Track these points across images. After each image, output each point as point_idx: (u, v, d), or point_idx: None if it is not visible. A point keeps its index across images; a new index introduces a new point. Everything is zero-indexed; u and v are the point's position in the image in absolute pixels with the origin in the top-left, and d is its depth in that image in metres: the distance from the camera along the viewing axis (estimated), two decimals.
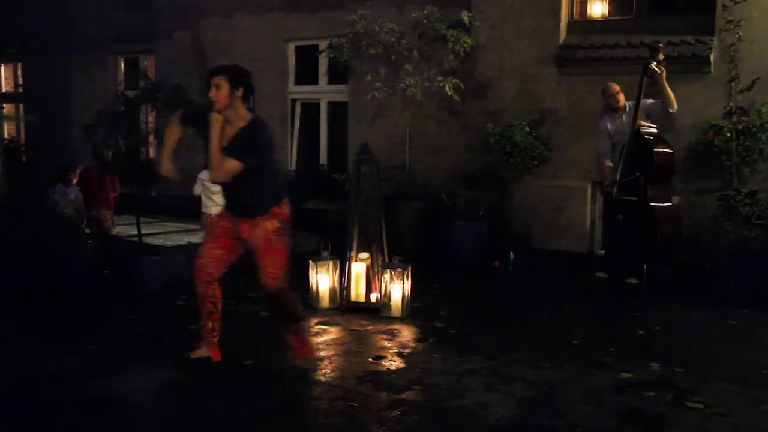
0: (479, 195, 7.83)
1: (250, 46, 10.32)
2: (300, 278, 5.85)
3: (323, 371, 4.22)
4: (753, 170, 6.90)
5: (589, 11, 8.21)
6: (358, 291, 5.64)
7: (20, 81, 13.95)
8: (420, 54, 8.19)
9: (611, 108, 6.43)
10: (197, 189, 6.83)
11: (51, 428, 3.50)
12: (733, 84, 6.91)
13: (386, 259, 5.62)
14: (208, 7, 10.75)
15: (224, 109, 3.92)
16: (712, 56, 7.11)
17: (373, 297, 5.60)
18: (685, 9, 7.71)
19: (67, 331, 5.08)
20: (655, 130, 6.15)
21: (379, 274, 5.50)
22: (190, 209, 7.75)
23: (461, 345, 4.70)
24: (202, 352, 4.23)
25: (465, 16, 8.05)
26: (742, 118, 6.82)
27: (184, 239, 8.30)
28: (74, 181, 7.54)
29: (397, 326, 5.14)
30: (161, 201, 10.28)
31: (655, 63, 5.91)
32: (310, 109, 10.38)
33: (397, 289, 5.32)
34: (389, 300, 5.35)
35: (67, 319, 5.36)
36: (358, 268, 5.64)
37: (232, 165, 3.91)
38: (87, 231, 7.24)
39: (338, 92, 9.94)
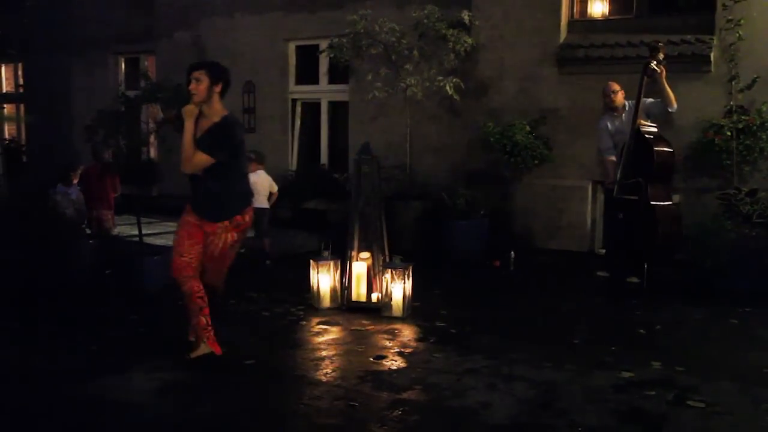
0: (480, 194, 7.83)
1: (250, 46, 10.33)
2: (301, 278, 5.87)
3: (324, 371, 4.22)
4: (753, 169, 6.90)
5: (589, 10, 8.21)
6: (359, 291, 5.65)
7: (21, 81, 13.95)
8: (420, 54, 8.19)
9: (610, 107, 6.44)
10: None
11: (51, 428, 3.51)
12: (733, 83, 6.91)
13: (387, 259, 5.62)
14: (208, 7, 10.75)
15: (202, 103, 4.10)
16: (712, 55, 7.12)
17: (374, 297, 5.60)
18: (686, 8, 7.70)
19: (68, 331, 5.08)
20: (655, 129, 6.16)
21: (380, 273, 5.50)
22: None
23: (462, 344, 4.70)
24: (203, 349, 4.23)
25: (465, 16, 8.05)
26: (743, 117, 6.83)
27: None
28: (75, 181, 7.54)
29: (398, 326, 5.15)
30: (162, 201, 10.28)
31: (655, 62, 5.91)
32: (311, 108, 10.39)
33: (398, 288, 5.32)
34: (390, 300, 5.35)
35: (67, 319, 5.36)
36: (359, 268, 5.65)
37: (203, 158, 4.06)
38: (88, 231, 7.24)
39: (339, 92, 9.94)
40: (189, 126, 4.10)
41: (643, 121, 6.10)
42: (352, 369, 4.23)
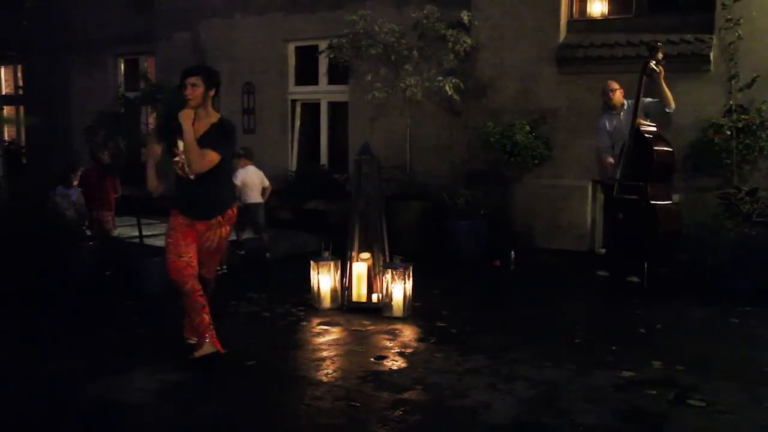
0: (480, 194, 7.83)
1: (250, 47, 10.33)
2: (302, 279, 5.87)
3: (325, 371, 4.22)
4: (753, 168, 6.91)
5: (588, 10, 8.22)
6: (359, 291, 5.65)
7: (20, 83, 13.96)
8: (420, 54, 8.19)
9: (608, 105, 6.45)
10: None
11: (52, 429, 3.51)
12: (732, 82, 6.92)
13: (387, 259, 5.62)
14: (208, 8, 10.75)
15: (197, 107, 4.21)
16: (711, 54, 7.12)
17: (375, 297, 5.60)
18: (685, 7, 7.71)
19: (69, 332, 5.09)
20: (654, 129, 6.16)
21: (381, 274, 5.51)
22: None
23: (463, 344, 4.71)
24: (206, 348, 4.24)
25: (465, 16, 8.05)
26: (742, 116, 6.83)
27: None
28: (75, 183, 7.55)
29: (398, 326, 5.15)
30: (162, 202, 10.28)
31: (653, 62, 5.91)
32: (311, 109, 10.39)
33: (399, 288, 5.32)
34: (391, 300, 5.35)
35: (68, 320, 5.37)
36: (360, 268, 5.65)
37: (213, 156, 4.17)
38: (88, 233, 7.24)
39: (338, 92, 9.94)
40: (189, 129, 4.17)
41: (642, 121, 6.10)
42: (353, 369, 4.23)
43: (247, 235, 7.66)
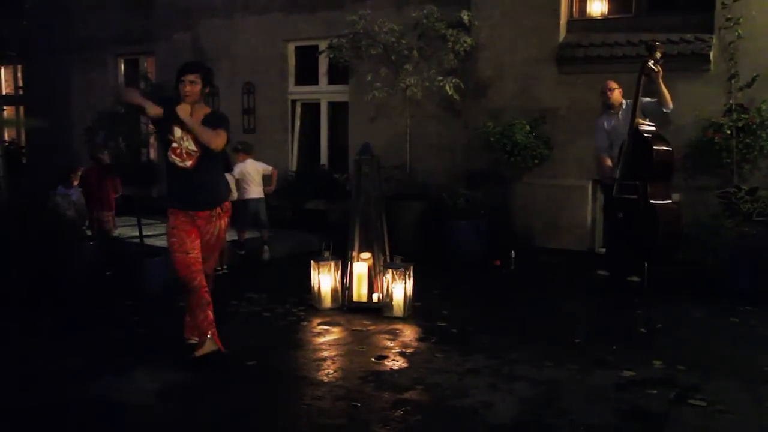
0: (480, 194, 7.83)
1: (250, 47, 10.33)
2: (302, 279, 5.87)
3: (326, 371, 4.22)
4: (753, 167, 6.91)
5: (588, 10, 8.22)
6: (359, 291, 5.65)
7: (20, 83, 13.95)
8: (420, 54, 8.19)
9: (606, 105, 6.46)
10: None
11: (53, 429, 3.51)
12: (732, 81, 6.92)
13: (388, 259, 5.62)
14: (208, 9, 10.75)
15: (194, 104, 4.28)
16: (711, 54, 7.12)
17: (375, 297, 5.60)
18: (685, 7, 7.72)
19: (69, 332, 5.09)
20: (653, 128, 6.15)
21: (381, 273, 5.51)
22: None
23: (463, 344, 4.71)
24: (208, 346, 4.24)
25: (465, 16, 8.05)
26: (742, 116, 6.83)
27: None
28: (76, 183, 7.55)
29: (399, 326, 5.15)
30: (162, 202, 10.28)
31: (652, 61, 5.91)
32: (311, 109, 10.39)
33: (399, 288, 5.33)
34: (391, 300, 5.36)
35: (68, 320, 5.37)
36: (360, 268, 5.65)
37: (223, 134, 4.27)
38: (88, 233, 7.24)
39: (338, 92, 9.94)
40: (190, 118, 4.22)
41: (641, 120, 6.10)
42: (354, 369, 4.24)
43: (247, 235, 7.66)
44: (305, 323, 5.28)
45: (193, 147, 4.26)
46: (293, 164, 10.36)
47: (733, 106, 6.90)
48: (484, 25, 8.26)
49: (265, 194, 7.55)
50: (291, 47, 10.24)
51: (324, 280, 5.58)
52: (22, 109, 13.96)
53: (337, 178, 9.37)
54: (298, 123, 10.42)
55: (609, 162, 6.38)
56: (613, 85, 6.42)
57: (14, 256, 5.96)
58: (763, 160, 6.87)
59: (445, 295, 6.10)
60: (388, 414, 3.57)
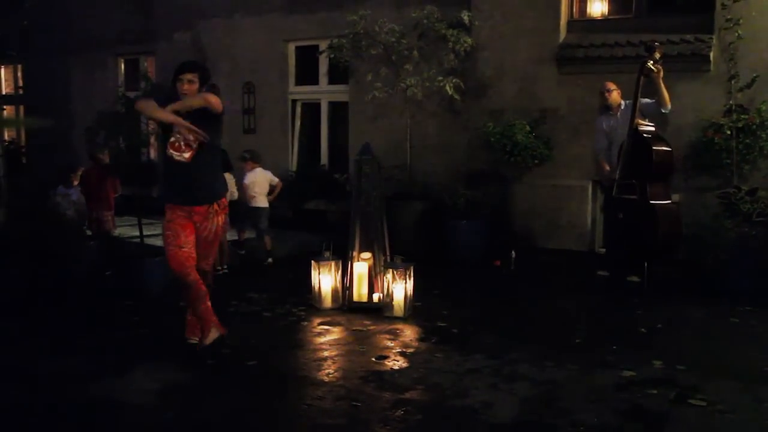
0: (480, 194, 7.84)
1: (250, 47, 10.34)
2: (302, 279, 5.88)
3: (326, 371, 4.23)
4: (753, 168, 6.91)
5: (588, 10, 8.23)
6: (360, 291, 5.65)
7: (20, 83, 13.95)
8: (420, 54, 8.19)
9: (605, 105, 6.49)
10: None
11: (53, 430, 3.51)
12: (732, 82, 6.92)
13: (388, 259, 5.63)
14: (208, 9, 10.75)
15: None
16: (711, 54, 7.13)
17: (376, 297, 5.61)
18: (685, 8, 7.72)
19: (69, 332, 5.09)
20: (653, 129, 6.16)
21: (381, 273, 5.51)
22: None
23: (464, 344, 4.71)
24: (213, 334, 4.30)
25: (465, 16, 8.05)
26: (742, 116, 6.84)
27: None
28: (76, 183, 7.54)
29: (399, 326, 5.15)
30: (162, 202, 10.29)
31: (651, 62, 5.92)
32: (311, 109, 10.39)
33: (400, 288, 5.33)
34: (391, 300, 5.36)
35: (69, 321, 5.37)
36: (360, 268, 5.65)
37: (213, 96, 4.29)
38: (88, 233, 7.24)
39: (339, 92, 9.95)
40: (180, 102, 4.25)
41: (641, 121, 6.11)
42: (354, 369, 4.24)
43: (247, 235, 7.67)
44: (306, 323, 5.29)
45: (192, 140, 4.29)
46: (293, 164, 10.36)
47: (733, 107, 6.90)
48: (485, 26, 8.26)
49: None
50: (291, 47, 10.24)
51: (324, 280, 5.59)
52: (22, 108, 13.96)
53: (338, 178, 9.37)
54: (298, 123, 10.43)
55: (606, 167, 6.44)
56: (612, 86, 6.44)
57: (14, 255, 5.96)
58: (763, 161, 6.87)
59: (446, 295, 6.10)
60: (388, 414, 3.58)
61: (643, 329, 5.06)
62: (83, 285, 6.14)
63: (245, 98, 10.47)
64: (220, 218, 4.47)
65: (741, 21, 6.81)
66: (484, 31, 8.27)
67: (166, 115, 4.20)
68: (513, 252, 7.22)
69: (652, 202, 6.01)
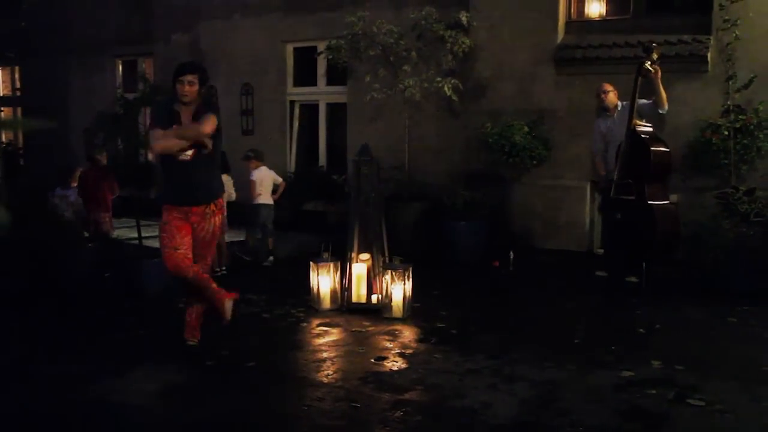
0: (479, 195, 7.84)
1: (248, 48, 10.33)
2: (301, 280, 5.87)
3: (325, 372, 4.23)
4: (751, 168, 6.93)
5: (586, 11, 8.24)
6: (359, 292, 5.66)
7: (18, 85, 13.94)
8: (418, 55, 8.20)
9: (602, 107, 6.50)
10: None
11: (53, 431, 3.51)
12: (730, 83, 6.93)
13: (387, 260, 5.63)
14: (206, 10, 10.75)
15: (190, 103, 4.34)
16: (709, 55, 7.14)
17: (374, 298, 5.61)
18: (682, 8, 7.74)
19: (68, 333, 5.09)
20: (651, 129, 6.17)
21: (380, 274, 5.51)
22: None
23: (463, 345, 4.72)
24: (228, 306, 4.42)
25: (463, 17, 8.06)
26: (740, 117, 6.85)
27: None
28: (74, 184, 7.54)
29: (398, 327, 5.16)
30: (160, 203, 10.28)
31: (649, 62, 5.93)
32: (309, 110, 10.39)
33: (398, 289, 5.33)
34: (390, 301, 5.36)
35: (68, 322, 5.37)
36: (359, 269, 5.66)
37: (212, 118, 4.31)
38: (86, 234, 7.24)
39: (337, 93, 9.95)
40: (179, 130, 4.28)
41: (638, 122, 6.12)
42: (354, 370, 4.24)
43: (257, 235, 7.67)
44: (305, 324, 5.29)
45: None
46: (292, 165, 10.36)
47: (731, 107, 6.92)
48: (483, 27, 8.27)
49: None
50: (289, 48, 10.24)
51: (323, 281, 5.59)
52: (19, 110, 13.95)
53: (336, 179, 9.37)
54: (296, 124, 10.43)
55: (602, 170, 6.49)
56: (608, 87, 6.46)
57: (13, 257, 5.95)
58: (761, 161, 6.89)
59: (444, 296, 6.10)
60: (387, 415, 3.58)
61: (641, 329, 5.07)
62: (82, 287, 6.13)
63: (243, 99, 10.47)
64: (216, 219, 4.48)
65: (739, 22, 6.82)
66: (482, 32, 8.28)
67: (187, 134, 4.26)
68: (511, 252, 7.22)
69: (650, 202, 6.01)
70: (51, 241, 6.20)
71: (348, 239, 5.70)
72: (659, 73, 5.96)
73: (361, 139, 7.72)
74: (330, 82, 10.00)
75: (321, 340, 4.89)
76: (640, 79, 6.00)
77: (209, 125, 4.28)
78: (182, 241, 4.31)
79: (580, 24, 8.13)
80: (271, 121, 10.34)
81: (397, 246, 6.03)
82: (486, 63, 8.35)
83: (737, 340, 4.84)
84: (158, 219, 4.48)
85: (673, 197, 6.62)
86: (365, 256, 5.67)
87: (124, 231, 8.12)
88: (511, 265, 7.16)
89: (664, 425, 3.46)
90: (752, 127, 6.78)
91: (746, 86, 6.87)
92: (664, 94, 6.02)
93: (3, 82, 14.64)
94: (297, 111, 10.40)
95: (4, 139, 13.98)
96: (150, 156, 11.66)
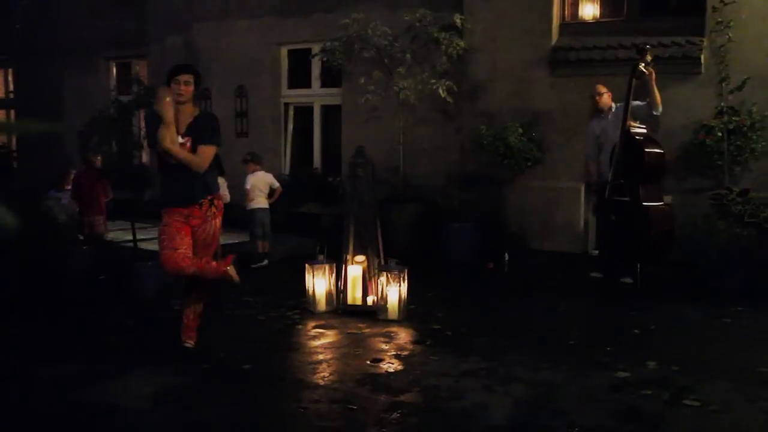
0: (473, 197, 7.85)
1: (242, 50, 10.32)
2: (296, 282, 5.87)
3: (322, 374, 4.22)
4: (744, 169, 6.96)
5: (580, 13, 8.26)
6: (354, 294, 5.65)
7: (11, 87, 13.88)
8: (413, 57, 8.20)
9: (596, 108, 6.53)
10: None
11: None
12: (723, 84, 6.95)
13: (382, 262, 5.63)
14: (200, 12, 10.74)
15: (185, 103, 4.33)
16: (702, 57, 7.17)
17: (370, 300, 5.61)
18: (676, 10, 7.76)
19: (64, 336, 5.07)
20: (644, 131, 6.20)
21: (376, 276, 5.51)
22: None
23: (459, 346, 4.72)
24: (233, 272, 4.45)
25: (458, 19, 8.07)
26: (733, 118, 6.87)
27: None
28: (68, 187, 7.52)
29: (394, 329, 5.15)
30: (155, 206, 10.24)
31: (643, 64, 5.95)
32: (304, 112, 10.39)
33: (394, 291, 5.33)
34: (386, 302, 5.36)
35: (63, 325, 5.35)
36: (355, 271, 5.65)
37: (210, 150, 4.35)
38: (80, 237, 7.21)
39: (331, 95, 9.95)
40: (177, 148, 4.27)
41: (632, 123, 6.14)
42: (350, 372, 4.24)
43: (243, 238, 7.65)
44: (300, 326, 5.28)
45: (185, 143, 4.31)
46: (286, 167, 10.35)
47: (724, 109, 6.94)
48: (477, 28, 8.28)
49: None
50: (284, 50, 10.24)
51: (319, 283, 5.58)
52: (13, 112, 13.89)
53: (331, 182, 9.37)
54: (291, 126, 10.42)
55: (594, 173, 6.56)
56: (602, 89, 6.48)
57: (7, 261, 5.93)
58: (754, 162, 6.92)
59: (440, 298, 6.11)
60: (384, 416, 3.58)
61: (636, 330, 5.08)
62: (77, 289, 6.11)
63: (238, 102, 10.46)
64: (217, 221, 4.48)
65: (732, 24, 6.85)
66: (476, 34, 8.29)
67: (184, 160, 4.29)
68: (506, 254, 7.23)
69: (644, 203, 6.04)
70: (45, 243, 6.17)
71: (343, 241, 5.70)
72: (653, 75, 5.98)
73: (356, 141, 7.71)
74: (324, 84, 10.01)
75: (317, 342, 4.88)
76: (634, 80, 6.01)
77: (207, 161, 4.33)
78: (182, 241, 4.30)
79: (574, 26, 8.16)
80: (265, 123, 10.33)
81: (392, 248, 6.03)
82: (480, 65, 8.36)
83: (732, 340, 4.86)
84: (153, 221, 4.48)
85: (667, 198, 6.64)
86: (360, 258, 5.67)
87: (118, 233, 8.10)
88: (506, 266, 7.17)
89: (659, 426, 3.47)
90: (745, 128, 6.82)
91: (739, 88, 6.89)
92: (658, 96, 6.04)
93: None
94: (291, 113, 10.39)
95: None
96: (144, 158, 11.66)
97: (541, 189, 8.09)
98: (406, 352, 4.62)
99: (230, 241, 7.73)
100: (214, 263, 4.44)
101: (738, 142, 6.82)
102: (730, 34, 6.85)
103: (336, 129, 9.88)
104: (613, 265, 6.44)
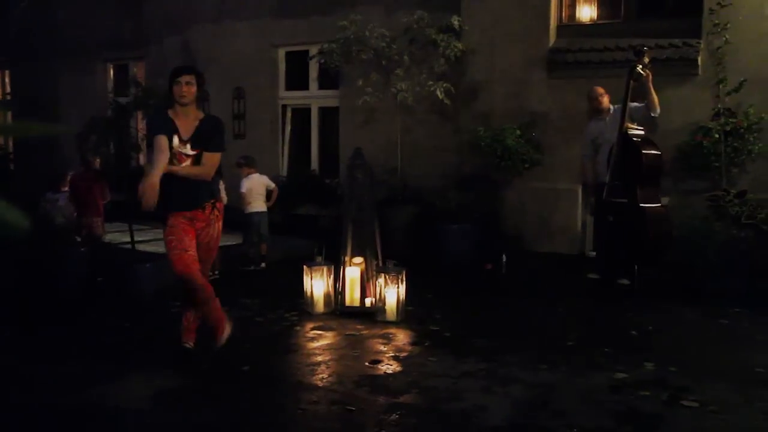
0: (471, 198, 7.86)
1: (240, 52, 10.33)
2: (294, 284, 5.87)
3: (320, 376, 4.22)
4: (741, 171, 6.98)
5: (577, 15, 8.28)
6: (352, 295, 5.65)
7: (8, 89, 13.86)
8: (411, 59, 8.22)
9: (595, 110, 6.54)
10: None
11: None
12: (720, 86, 6.97)
13: (380, 263, 5.63)
14: (198, 13, 10.74)
15: (188, 105, 4.32)
16: (699, 59, 7.19)
17: (368, 301, 5.60)
18: (673, 12, 7.79)
19: (61, 338, 5.05)
20: (642, 132, 6.21)
21: (374, 278, 5.51)
22: None
23: (457, 348, 4.72)
24: (227, 329, 4.31)
25: (455, 21, 8.09)
26: (730, 120, 6.90)
27: None
28: (65, 188, 7.50)
29: (392, 330, 5.15)
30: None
31: (640, 66, 5.97)
32: (301, 114, 10.39)
33: (392, 293, 5.33)
34: (384, 304, 5.36)
35: (60, 327, 5.33)
36: (353, 273, 5.65)
37: (215, 158, 4.35)
38: (78, 238, 7.19)
39: (329, 97, 9.96)
40: (180, 168, 4.24)
41: (630, 125, 6.15)
42: (348, 374, 4.24)
43: (239, 241, 7.64)
44: (298, 328, 5.27)
45: (190, 152, 4.29)
46: (284, 169, 10.36)
47: (721, 110, 6.96)
48: (475, 30, 8.30)
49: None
50: (281, 52, 10.25)
51: (317, 284, 5.58)
52: (9, 115, 13.84)
53: (329, 183, 9.37)
54: (288, 128, 10.43)
55: (589, 175, 6.60)
56: (600, 90, 6.50)
57: (4, 262, 5.91)
58: (751, 164, 6.94)
59: (438, 299, 6.11)
60: (382, 418, 3.58)
61: (634, 331, 5.09)
62: (75, 292, 6.09)
63: (235, 103, 10.46)
64: (219, 224, 4.48)
65: (728, 25, 6.88)
66: (474, 35, 8.31)
67: (191, 174, 4.28)
68: (504, 255, 7.24)
69: (641, 205, 6.05)
70: (43, 245, 6.15)
71: (341, 243, 5.70)
72: (651, 77, 6.00)
73: (354, 143, 7.72)
74: (322, 86, 10.01)
75: (315, 344, 4.88)
76: (631, 82, 6.03)
77: (214, 168, 4.33)
78: (190, 243, 4.29)
79: (571, 27, 8.18)
80: (263, 125, 10.34)
81: (389, 249, 6.03)
82: (478, 67, 8.38)
83: (730, 341, 4.87)
84: (151, 223, 4.46)
85: (665, 200, 6.65)
86: (358, 259, 5.67)
87: (116, 235, 8.08)
88: (503, 267, 7.17)
89: (658, 426, 3.48)
90: (742, 129, 6.84)
91: (736, 89, 6.92)
92: (655, 98, 6.06)
93: None
94: (289, 115, 10.40)
95: None
96: (142, 160, 11.65)
97: (538, 190, 8.10)
98: (404, 354, 4.62)
99: (227, 243, 7.71)
100: (218, 303, 4.34)
101: (735, 144, 6.84)
102: (727, 36, 6.87)
103: (334, 131, 9.89)
104: (610, 266, 6.45)
